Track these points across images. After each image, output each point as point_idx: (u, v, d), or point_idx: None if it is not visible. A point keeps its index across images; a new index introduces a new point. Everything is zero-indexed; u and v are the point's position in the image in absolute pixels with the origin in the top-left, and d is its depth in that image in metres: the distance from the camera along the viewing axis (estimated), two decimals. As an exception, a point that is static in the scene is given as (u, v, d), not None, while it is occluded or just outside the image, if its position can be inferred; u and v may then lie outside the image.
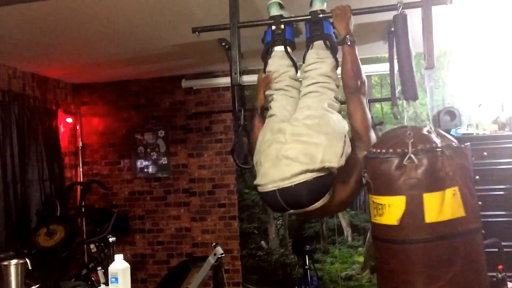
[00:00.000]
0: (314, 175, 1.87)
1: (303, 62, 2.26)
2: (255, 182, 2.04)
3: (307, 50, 2.23)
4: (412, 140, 1.70)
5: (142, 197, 4.98)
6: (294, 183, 1.87)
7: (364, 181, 1.77)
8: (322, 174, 1.88)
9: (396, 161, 1.72)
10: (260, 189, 2.00)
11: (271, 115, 2.18)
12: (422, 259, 1.70)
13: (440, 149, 1.74)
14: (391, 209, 1.70)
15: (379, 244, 1.80)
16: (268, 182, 1.94)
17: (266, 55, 2.31)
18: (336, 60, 2.20)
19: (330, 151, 1.88)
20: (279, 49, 2.27)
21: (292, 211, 1.97)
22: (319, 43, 2.20)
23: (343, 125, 2.01)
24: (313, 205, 1.92)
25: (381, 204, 1.72)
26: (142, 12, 2.89)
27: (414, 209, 1.68)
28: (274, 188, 1.91)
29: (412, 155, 1.68)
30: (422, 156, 1.70)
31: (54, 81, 4.76)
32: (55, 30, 3.16)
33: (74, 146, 5.06)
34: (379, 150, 1.77)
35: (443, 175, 1.72)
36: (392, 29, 2.82)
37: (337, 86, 2.15)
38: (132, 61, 4.19)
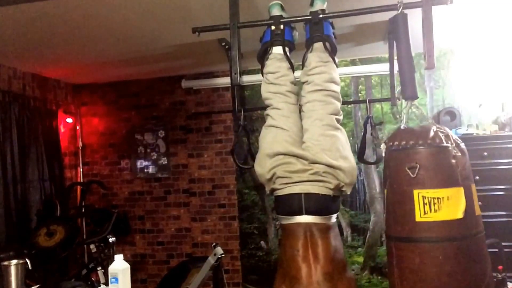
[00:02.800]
0: (335, 193, 2.06)
1: (302, 64, 2.24)
2: (272, 186, 2.12)
3: (307, 52, 2.21)
4: (449, 133, 1.69)
5: (142, 197, 4.98)
6: (322, 193, 2.02)
7: (413, 174, 1.63)
8: (338, 194, 2.09)
9: (451, 151, 1.64)
10: (281, 192, 2.09)
11: (276, 126, 2.14)
12: (476, 254, 1.64)
13: (463, 145, 1.73)
14: (450, 202, 1.60)
15: (425, 247, 1.61)
16: (296, 186, 2.05)
17: (263, 55, 2.27)
18: (335, 62, 2.20)
19: (349, 180, 2.05)
20: (278, 50, 2.22)
21: (305, 217, 2.02)
22: (319, 46, 2.18)
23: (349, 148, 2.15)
24: (325, 217, 2.04)
25: (438, 198, 1.60)
26: (142, 12, 2.89)
27: (469, 201, 1.62)
28: (301, 192, 2.03)
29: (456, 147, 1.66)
30: (462, 149, 1.68)
31: (54, 81, 4.76)
32: (55, 30, 3.16)
33: (74, 146, 5.06)
34: (421, 141, 1.64)
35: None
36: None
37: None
38: (132, 61, 4.19)
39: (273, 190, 2.15)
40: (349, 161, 2.04)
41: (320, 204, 2.02)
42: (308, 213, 2.02)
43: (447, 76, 4.34)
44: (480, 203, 3.89)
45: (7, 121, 3.94)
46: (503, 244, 2.78)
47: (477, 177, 3.64)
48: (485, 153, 3.70)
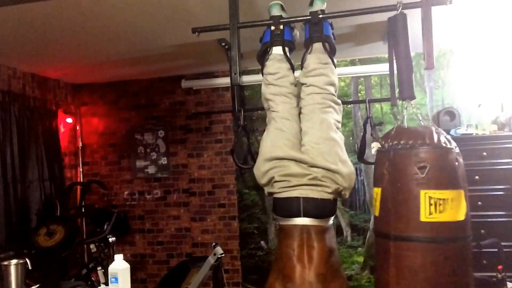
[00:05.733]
0: (334, 196, 2.08)
1: (301, 64, 2.24)
2: (270, 190, 2.15)
3: (306, 52, 2.21)
4: (447, 135, 1.71)
5: (142, 197, 4.98)
6: (321, 197, 2.04)
7: (422, 174, 1.64)
8: (336, 198, 2.10)
9: (454, 153, 1.65)
10: (280, 195, 2.10)
11: (275, 128, 2.14)
12: (469, 255, 1.67)
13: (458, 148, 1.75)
14: (453, 204, 1.61)
15: (427, 247, 1.62)
16: (295, 190, 2.06)
17: (263, 55, 2.26)
18: (334, 63, 2.20)
19: (348, 184, 2.07)
20: (278, 51, 2.22)
21: (303, 219, 2.05)
22: (318, 47, 2.18)
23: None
24: (323, 220, 2.07)
25: (442, 199, 1.61)
26: (142, 12, 2.89)
27: (467, 203, 1.65)
28: (300, 196, 2.04)
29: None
30: (459, 152, 1.71)
31: (54, 81, 4.76)
32: (55, 30, 3.16)
33: (74, 146, 5.06)
34: (428, 141, 1.64)
35: None
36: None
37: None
38: (132, 61, 4.20)
39: (271, 193, 2.17)
40: (347, 165, 2.06)
41: (319, 208, 2.04)
42: (306, 216, 2.04)
43: (446, 76, 4.34)
44: (479, 203, 3.92)
45: (7, 121, 3.94)
46: (503, 244, 2.79)
47: (477, 177, 3.67)
48: (485, 153, 3.70)
